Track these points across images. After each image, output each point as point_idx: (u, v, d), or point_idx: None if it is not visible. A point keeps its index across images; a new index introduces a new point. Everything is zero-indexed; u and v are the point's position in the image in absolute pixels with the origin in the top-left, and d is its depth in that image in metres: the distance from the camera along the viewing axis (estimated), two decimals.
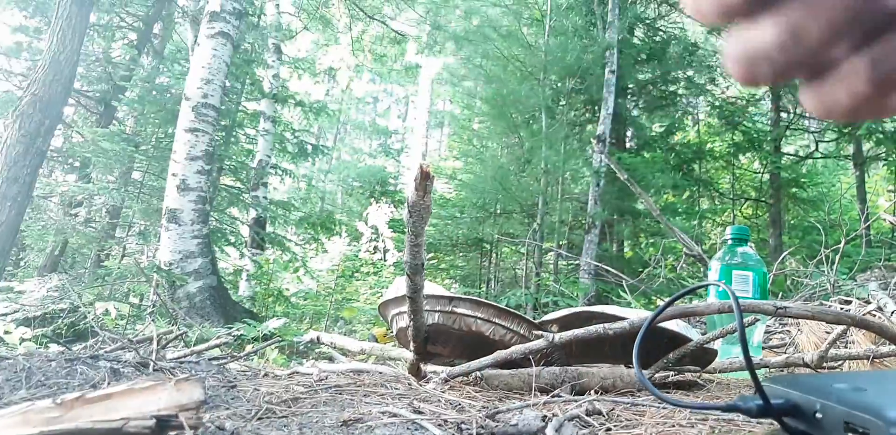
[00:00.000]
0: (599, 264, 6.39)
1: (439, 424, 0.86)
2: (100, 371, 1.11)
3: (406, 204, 1.10)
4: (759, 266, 2.12)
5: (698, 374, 1.61)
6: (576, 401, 1.05)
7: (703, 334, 1.61)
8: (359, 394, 1.13)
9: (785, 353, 2.51)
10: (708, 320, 2.28)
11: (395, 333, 1.87)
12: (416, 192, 1.08)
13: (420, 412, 0.94)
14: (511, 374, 1.32)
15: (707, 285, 1.85)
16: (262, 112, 9.67)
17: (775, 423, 0.53)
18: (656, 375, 1.47)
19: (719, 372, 1.66)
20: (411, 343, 1.41)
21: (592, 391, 1.27)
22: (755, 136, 9.42)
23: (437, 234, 8.73)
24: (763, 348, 2.74)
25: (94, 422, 0.64)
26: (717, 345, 1.85)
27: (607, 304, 5.59)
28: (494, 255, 9.55)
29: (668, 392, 1.45)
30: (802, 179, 9.32)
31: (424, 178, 1.07)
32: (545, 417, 0.90)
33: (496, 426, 0.87)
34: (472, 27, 9.83)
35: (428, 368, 1.52)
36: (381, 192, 16.25)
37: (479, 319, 1.49)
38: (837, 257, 4.14)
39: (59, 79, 6.71)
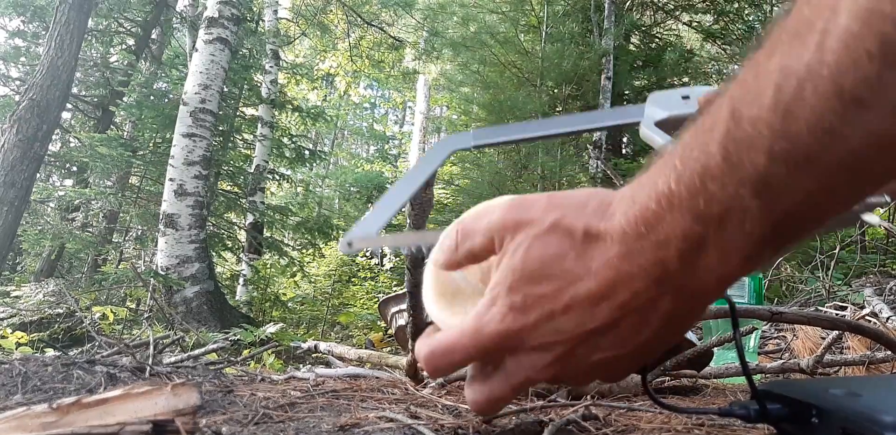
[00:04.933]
0: None
1: (436, 429, 0.86)
2: (96, 376, 1.11)
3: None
4: (754, 271, 2.13)
5: (694, 379, 1.62)
6: (572, 405, 1.05)
7: (699, 339, 1.61)
8: (355, 399, 1.13)
9: (780, 358, 2.51)
10: (704, 325, 2.28)
11: (394, 332, 1.87)
12: None
13: (417, 417, 0.95)
14: None
15: None
16: (260, 117, 9.68)
17: (772, 428, 0.54)
18: (653, 380, 1.47)
19: (715, 377, 1.67)
20: (410, 341, 1.41)
21: (589, 396, 1.27)
22: None
23: None
24: (759, 354, 2.74)
25: (91, 427, 0.64)
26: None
27: None
28: None
29: (664, 397, 1.45)
30: None
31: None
32: (542, 421, 0.90)
33: (493, 431, 0.87)
34: (470, 34, 9.87)
35: (425, 372, 1.52)
36: (378, 197, 16.25)
37: None
38: (833, 263, 4.15)
39: (57, 84, 6.71)
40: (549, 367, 0.47)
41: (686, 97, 0.73)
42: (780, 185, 0.34)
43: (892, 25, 0.28)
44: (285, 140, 10.01)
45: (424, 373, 1.53)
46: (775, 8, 9.50)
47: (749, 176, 0.35)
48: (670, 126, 0.73)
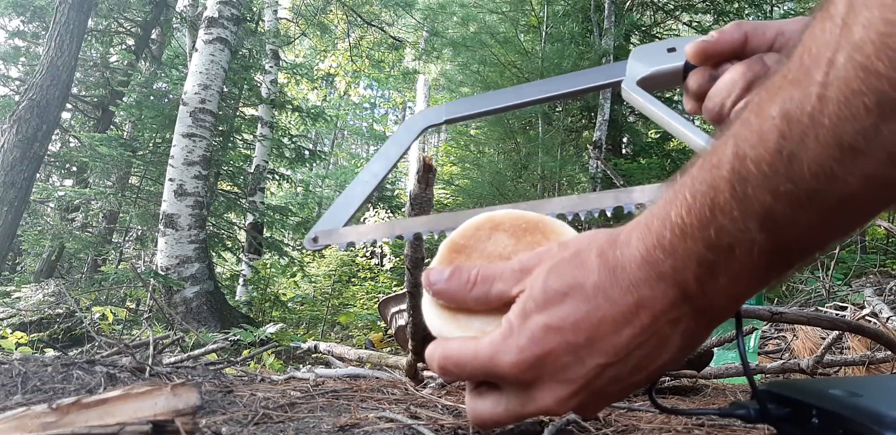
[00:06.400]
0: None
1: (436, 429, 0.87)
2: (96, 376, 1.11)
3: (408, 196, 1.11)
4: None
5: (694, 379, 1.62)
6: None
7: None
8: (355, 399, 1.13)
9: (780, 358, 2.51)
10: None
11: (393, 332, 1.86)
12: (419, 185, 1.08)
13: (417, 417, 0.95)
14: None
15: None
16: (260, 117, 9.68)
17: (772, 428, 0.53)
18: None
19: (715, 377, 1.67)
20: (410, 341, 1.41)
21: None
22: None
23: (433, 239, 8.73)
24: (759, 354, 2.74)
25: (90, 427, 0.64)
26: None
27: None
28: None
29: (664, 397, 1.45)
30: None
31: (427, 171, 1.07)
32: (542, 422, 0.90)
33: (493, 431, 0.87)
34: (470, 34, 9.87)
35: (425, 373, 1.52)
36: (377, 197, 16.26)
37: None
38: (833, 263, 4.15)
39: (57, 84, 6.71)
40: (567, 400, 0.47)
41: (672, 50, 0.68)
42: (785, 220, 0.37)
43: (887, 83, 0.31)
44: (285, 140, 10.01)
45: (425, 373, 1.53)
46: (775, 8, 9.50)
47: (756, 212, 0.37)
48: (654, 83, 0.69)
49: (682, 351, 0.47)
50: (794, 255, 0.40)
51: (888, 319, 2.51)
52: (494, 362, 0.46)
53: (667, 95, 10.12)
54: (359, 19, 11.60)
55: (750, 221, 0.38)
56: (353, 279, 10.77)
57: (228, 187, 9.60)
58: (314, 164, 12.32)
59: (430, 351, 0.51)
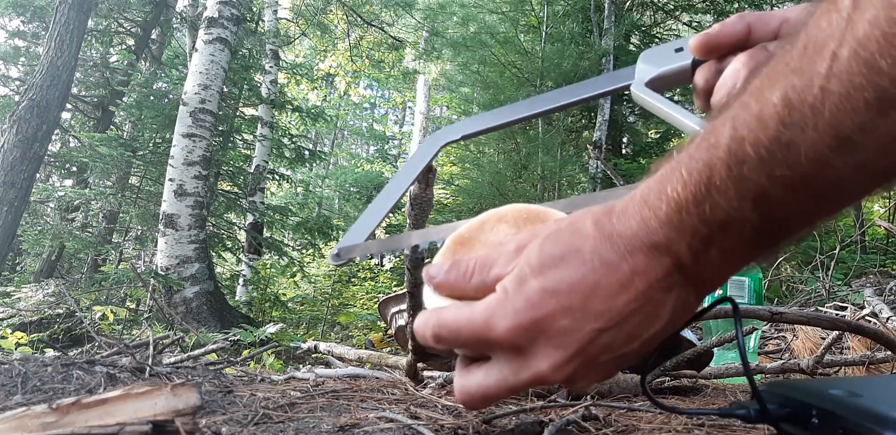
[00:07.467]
0: None
1: (436, 430, 0.87)
2: (96, 376, 1.11)
3: (408, 196, 1.11)
4: (754, 272, 2.13)
5: (694, 379, 1.62)
6: (572, 406, 1.05)
7: (699, 338, 1.61)
8: (355, 399, 1.13)
9: (780, 358, 2.51)
10: (704, 326, 2.28)
11: (393, 332, 1.87)
12: (419, 185, 1.09)
13: (417, 417, 0.95)
14: None
15: None
16: (260, 117, 9.67)
17: (772, 428, 0.53)
18: (653, 381, 1.47)
19: (715, 377, 1.67)
20: (410, 341, 1.41)
21: (589, 396, 1.27)
22: None
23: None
24: (759, 354, 2.75)
25: (90, 427, 0.64)
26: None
27: None
28: None
29: (664, 397, 1.45)
30: None
31: (427, 171, 1.08)
32: (542, 422, 0.90)
33: (493, 431, 0.87)
34: (470, 34, 9.86)
35: (425, 373, 1.52)
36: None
37: None
38: (832, 263, 4.15)
39: (57, 84, 6.71)
40: (563, 366, 0.47)
41: (679, 49, 0.69)
42: (777, 200, 0.39)
43: (888, 80, 0.32)
44: (285, 140, 10.00)
45: (425, 373, 1.53)
46: (775, 8, 9.48)
47: (751, 192, 0.39)
48: (663, 83, 0.70)
49: (674, 321, 0.47)
50: (783, 232, 0.42)
51: (888, 319, 2.51)
52: (489, 326, 0.47)
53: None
54: (359, 19, 11.59)
55: (744, 201, 0.39)
56: (353, 279, 10.77)
57: (228, 187, 9.59)
58: (314, 164, 12.32)
59: (423, 320, 0.51)
